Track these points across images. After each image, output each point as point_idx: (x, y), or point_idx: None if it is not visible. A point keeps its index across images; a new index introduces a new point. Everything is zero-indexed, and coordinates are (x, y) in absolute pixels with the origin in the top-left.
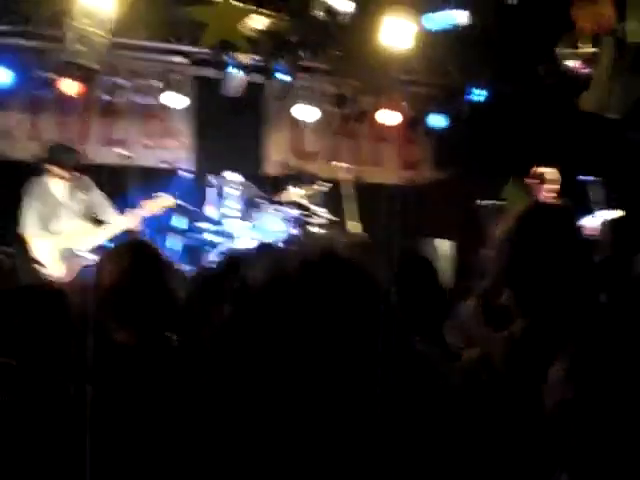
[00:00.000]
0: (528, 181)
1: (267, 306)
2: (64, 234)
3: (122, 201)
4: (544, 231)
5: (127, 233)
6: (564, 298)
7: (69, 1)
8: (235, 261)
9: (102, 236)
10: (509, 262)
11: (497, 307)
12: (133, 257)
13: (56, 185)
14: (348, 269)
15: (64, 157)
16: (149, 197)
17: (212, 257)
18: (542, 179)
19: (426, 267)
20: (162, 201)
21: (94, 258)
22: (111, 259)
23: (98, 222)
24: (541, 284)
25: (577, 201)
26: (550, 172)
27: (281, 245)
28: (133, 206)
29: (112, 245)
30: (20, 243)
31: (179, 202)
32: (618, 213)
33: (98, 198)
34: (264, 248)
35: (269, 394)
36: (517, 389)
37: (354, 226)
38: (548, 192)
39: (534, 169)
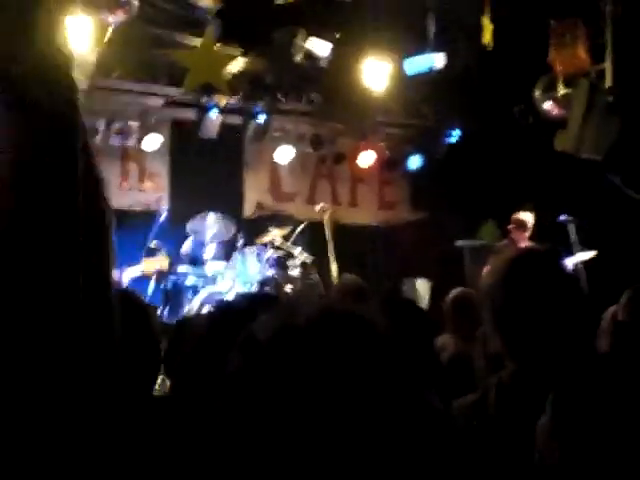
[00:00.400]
0: (510, 228)
1: (280, 359)
2: None
3: None
4: (535, 276)
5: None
6: (555, 342)
7: None
8: (236, 311)
9: None
10: (500, 307)
11: (493, 352)
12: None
13: None
14: (362, 323)
15: None
16: (129, 242)
17: (195, 301)
18: (524, 226)
19: (417, 312)
20: (159, 261)
21: None
22: None
23: None
24: (531, 329)
25: (556, 242)
26: (530, 218)
27: (259, 286)
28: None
29: None
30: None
31: (155, 245)
32: (592, 253)
33: None
34: (264, 298)
35: (281, 451)
36: (507, 436)
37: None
38: (527, 238)
39: (515, 216)
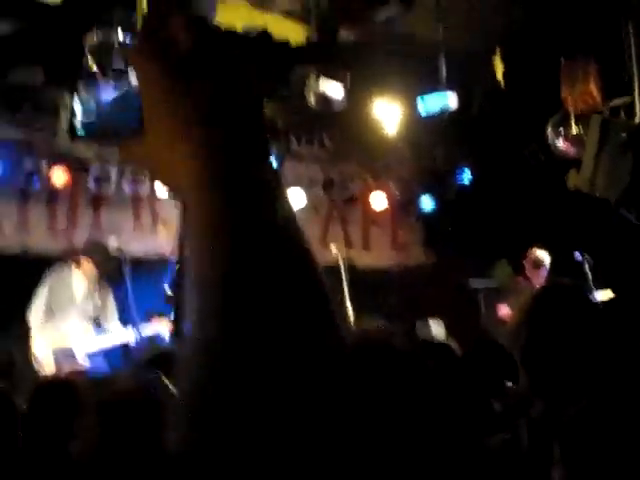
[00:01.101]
0: (526, 266)
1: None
2: (66, 333)
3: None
4: (562, 310)
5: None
6: (583, 379)
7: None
8: None
9: (101, 344)
10: (525, 344)
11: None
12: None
13: (78, 282)
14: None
15: (106, 261)
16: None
17: None
18: (539, 263)
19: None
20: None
21: (86, 363)
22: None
23: (99, 326)
24: (558, 366)
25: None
26: (546, 256)
27: None
28: (126, 300)
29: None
30: (22, 332)
31: (170, 292)
32: (609, 293)
33: (111, 308)
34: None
35: None
36: (542, 475)
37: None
38: (544, 276)
39: (530, 253)
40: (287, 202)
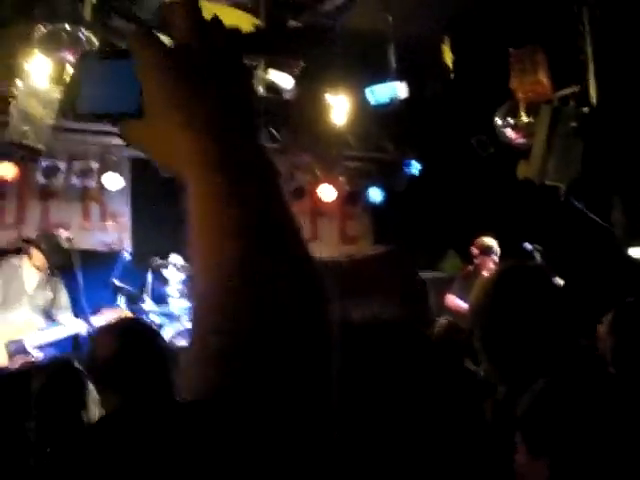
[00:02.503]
0: (475, 254)
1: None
2: (18, 325)
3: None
4: (524, 290)
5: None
6: (546, 361)
7: (16, 81)
8: None
9: (53, 335)
10: (486, 327)
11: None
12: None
13: (29, 273)
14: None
15: (55, 253)
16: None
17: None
18: (489, 250)
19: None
20: (120, 314)
21: (38, 355)
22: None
23: (50, 318)
24: (525, 347)
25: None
26: (494, 243)
27: None
28: (77, 292)
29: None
30: None
31: (119, 284)
32: (560, 282)
33: (63, 300)
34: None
35: None
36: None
37: None
38: (494, 263)
39: (479, 241)
40: (280, 182)
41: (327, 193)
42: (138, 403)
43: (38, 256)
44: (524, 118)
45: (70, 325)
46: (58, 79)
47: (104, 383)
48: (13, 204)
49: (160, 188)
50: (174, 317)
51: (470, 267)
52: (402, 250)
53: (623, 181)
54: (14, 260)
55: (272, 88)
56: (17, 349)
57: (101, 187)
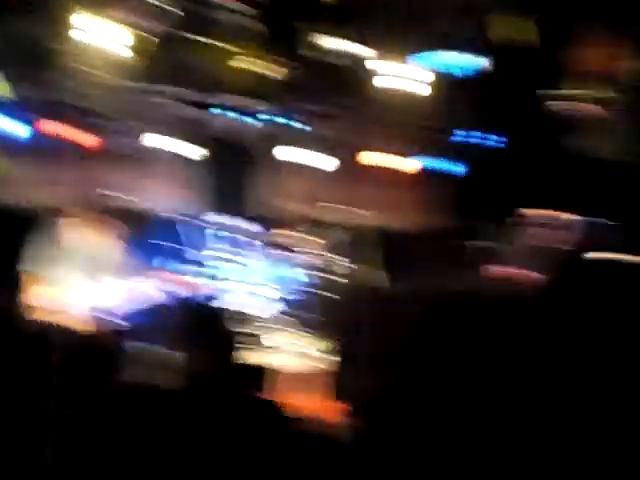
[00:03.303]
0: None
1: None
2: (62, 285)
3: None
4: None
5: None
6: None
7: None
8: None
9: (98, 296)
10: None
11: None
12: None
13: (74, 235)
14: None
15: (99, 216)
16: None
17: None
18: (541, 223)
19: None
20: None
21: (84, 315)
22: None
23: (97, 279)
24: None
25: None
26: (538, 214)
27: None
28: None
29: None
30: (17, 285)
31: (173, 245)
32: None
33: (109, 259)
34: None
35: None
36: None
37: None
38: (545, 234)
39: (527, 213)
40: None
41: (401, 163)
42: None
43: (82, 217)
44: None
45: (118, 287)
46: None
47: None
48: (81, 167)
49: (220, 151)
50: (212, 277)
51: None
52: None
53: None
54: (60, 223)
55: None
56: (58, 309)
57: (154, 149)
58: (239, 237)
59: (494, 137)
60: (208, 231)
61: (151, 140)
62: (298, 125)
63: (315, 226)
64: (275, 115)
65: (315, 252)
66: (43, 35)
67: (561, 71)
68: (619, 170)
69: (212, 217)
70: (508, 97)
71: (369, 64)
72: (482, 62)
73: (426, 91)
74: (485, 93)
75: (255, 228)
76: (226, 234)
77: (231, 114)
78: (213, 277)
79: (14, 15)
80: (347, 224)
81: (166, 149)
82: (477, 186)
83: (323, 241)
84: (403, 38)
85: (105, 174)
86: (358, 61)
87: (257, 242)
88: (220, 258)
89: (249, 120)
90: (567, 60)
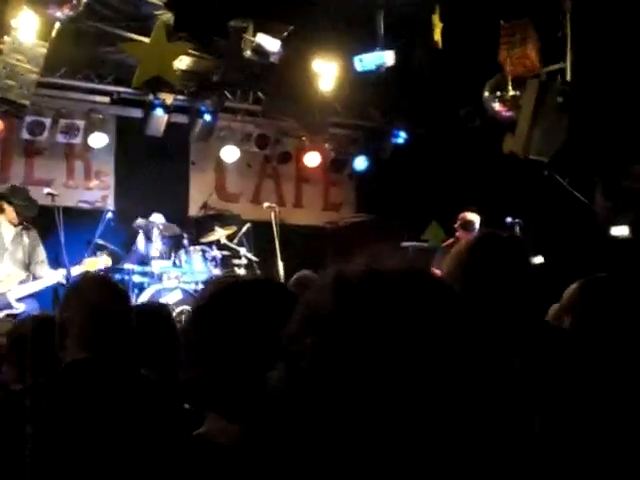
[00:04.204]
0: (456, 227)
1: (372, 300)
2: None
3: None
4: (497, 261)
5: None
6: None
7: (1, 35)
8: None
9: (32, 287)
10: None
11: None
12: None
13: (6, 228)
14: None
15: (26, 206)
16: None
17: (141, 298)
18: (470, 225)
19: None
20: (101, 261)
21: (20, 307)
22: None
23: (28, 270)
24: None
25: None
26: (477, 218)
27: (202, 286)
28: (59, 248)
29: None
30: None
31: (101, 242)
32: (540, 259)
33: (40, 253)
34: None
35: None
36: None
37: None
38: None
39: (462, 215)
40: None
41: (312, 159)
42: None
43: (9, 210)
44: (511, 92)
45: (49, 276)
46: (45, 35)
47: None
48: None
49: (144, 148)
50: (154, 277)
51: (451, 239)
52: (384, 219)
53: (605, 158)
54: None
55: (259, 51)
56: (0, 303)
57: (86, 145)
58: (169, 235)
59: (404, 134)
60: (138, 228)
61: (82, 137)
62: (209, 119)
63: (223, 218)
64: (188, 108)
65: (222, 244)
66: None
67: (476, 71)
68: (525, 167)
69: (142, 215)
70: (420, 95)
71: (282, 59)
72: (393, 60)
73: (338, 87)
74: (397, 91)
75: (186, 226)
76: (157, 232)
77: (159, 111)
78: (145, 274)
79: None
80: (252, 217)
81: (96, 145)
82: (384, 183)
83: (230, 233)
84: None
85: (37, 168)
86: (273, 56)
87: (186, 240)
88: (152, 256)
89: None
90: (483, 60)
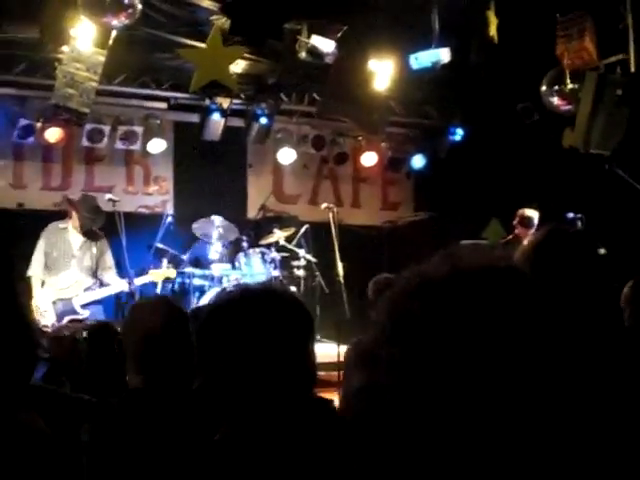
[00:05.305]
0: (515, 224)
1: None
2: (66, 285)
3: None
4: (566, 256)
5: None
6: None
7: (61, 45)
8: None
9: (98, 294)
10: None
11: None
12: (165, 312)
13: (74, 235)
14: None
15: (92, 219)
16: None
17: (202, 301)
18: (529, 222)
19: None
20: (166, 272)
21: (84, 313)
22: (144, 312)
23: (96, 278)
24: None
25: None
26: (536, 215)
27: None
28: (120, 253)
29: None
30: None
31: (162, 247)
32: (602, 251)
33: (108, 259)
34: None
35: None
36: None
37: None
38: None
39: (520, 212)
40: None
41: (369, 159)
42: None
43: (79, 220)
44: (570, 85)
45: (115, 284)
46: (102, 43)
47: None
48: (58, 167)
49: (202, 152)
50: (215, 280)
51: (510, 236)
52: (443, 217)
53: None
54: (60, 223)
55: (314, 53)
56: (65, 308)
57: (144, 151)
58: (228, 238)
59: (461, 132)
60: (198, 231)
61: (140, 143)
62: (266, 121)
63: (281, 220)
64: (244, 112)
65: (281, 245)
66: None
67: (534, 65)
68: (585, 161)
69: (210, 219)
70: (476, 92)
71: (337, 60)
72: (449, 57)
73: (394, 86)
74: (453, 88)
75: (245, 229)
76: (216, 235)
77: (216, 115)
78: (205, 277)
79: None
80: (310, 218)
81: (155, 151)
82: (440, 181)
83: (288, 235)
84: (375, 35)
85: (97, 175)
86: (328, 57)
87: (245, 242)
88: (211, 259)
89: (219, 118)
90: (540, 55)
